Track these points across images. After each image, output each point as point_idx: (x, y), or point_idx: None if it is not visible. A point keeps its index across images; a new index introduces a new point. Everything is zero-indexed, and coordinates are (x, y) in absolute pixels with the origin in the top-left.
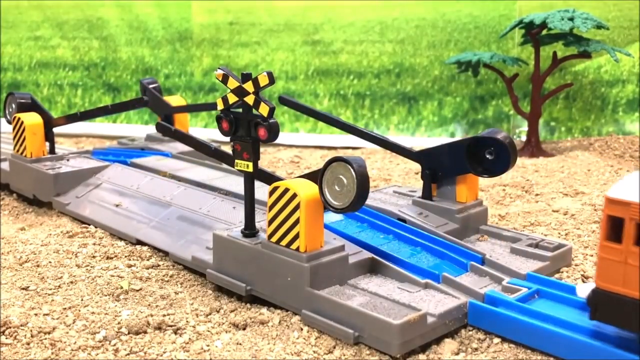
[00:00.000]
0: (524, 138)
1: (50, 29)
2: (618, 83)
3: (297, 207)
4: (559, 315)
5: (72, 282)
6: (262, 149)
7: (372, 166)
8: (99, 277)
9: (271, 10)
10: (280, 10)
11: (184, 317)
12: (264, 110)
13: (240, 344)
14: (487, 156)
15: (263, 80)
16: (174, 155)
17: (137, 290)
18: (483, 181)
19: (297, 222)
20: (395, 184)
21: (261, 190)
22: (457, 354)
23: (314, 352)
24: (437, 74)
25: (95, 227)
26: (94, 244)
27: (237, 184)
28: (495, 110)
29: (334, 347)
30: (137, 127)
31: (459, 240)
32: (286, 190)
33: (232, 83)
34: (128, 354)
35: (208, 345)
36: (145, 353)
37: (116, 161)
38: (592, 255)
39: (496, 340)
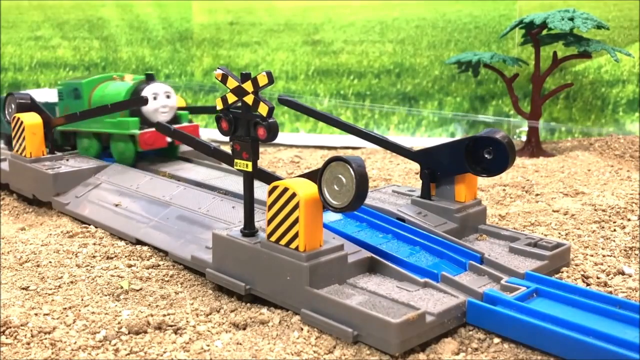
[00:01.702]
0: (524, 138)
1: (51, 29)
2: (618, 83)
3: (296, 207)
4: (558, 314)
5: (72, 282)
6: (262, 149)
7: (372, 166)
8: (99, 277)
9: (271, 10)
10: (280, 10)
11: (184, 317)
12: (263, 110)
13: (240, 344)
14: (486, 155)
15: (262, 80)
16: None
17: (137, 290)
18: (483, 181)
19: (296, 221)
20: (395, 183)
21: (260, 190)
22: (457, 353)
23: (314, 352)
24: (437, 74)
25: (95, 227)
26: (94, 244)
27: (236, 184)
28: (496, 110)
29: (334, 347)
30: None
31: (458, 239)
32: (285, 189)
33: (232, 83)
34: (128, 354)
35: (208, 345)
36: (145, 353)
37: (115, 161)
38: (592, 256)
39: (496, 340)
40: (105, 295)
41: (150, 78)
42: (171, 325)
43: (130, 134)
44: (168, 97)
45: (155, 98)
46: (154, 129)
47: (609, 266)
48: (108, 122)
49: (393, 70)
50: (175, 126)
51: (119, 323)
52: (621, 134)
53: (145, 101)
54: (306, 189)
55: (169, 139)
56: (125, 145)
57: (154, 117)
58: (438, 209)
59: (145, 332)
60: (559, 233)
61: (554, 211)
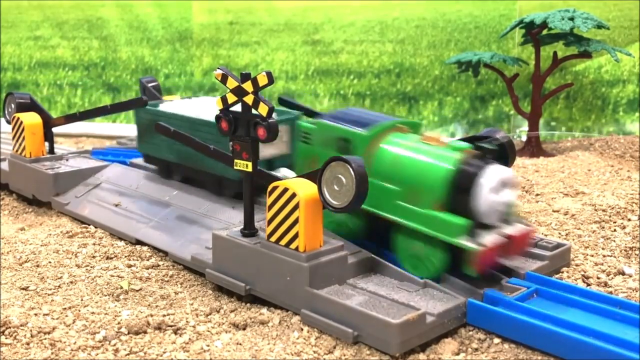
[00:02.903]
0: (524, 138)
1: (50, 28)
2: (618, 83)
3: (296, 207)
4: (558, 315)
5: (72, 282)
6: None
7: None
8: (99, 277)
9: (271, 10)
10: (280, 10)
11: (184, 317)
12: (263, 110)
13: (240, 344)
14: (486, 156)
15: (262, 80)
16: None
17: (137, 290)
18: None
19: (296, 221)
20: None
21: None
22: (458, 354)
23: (314, 352)
24: (437, 73)
25: (95, 227)
26: (94, 244)
27: None
28: (496, 110)
29: (334, 347)
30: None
31: None
32: (285, 189)
33: (232, 83)
34: (128, 354)
35: (208, 345)
36: (145, 353)
37: (115, 161)
38: (592, 256)
39: (496, 340)
40: (105, 296)
41: (484, 154)
42: (171, 326)
43: (454, 243)
44: (510, 187)
45: (499, 190)
46: (496, 242)
47: (609, 266)
48: (400, 206)
49: (393, 70)
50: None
51: (118, 323)
52: (621, 134)
53: (144, 102)
54: (306, 189)
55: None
56: (429, 250)
57: (488, 217)
58: None
59: (145, 332)
60: (559, 233)
61: (554, 211)
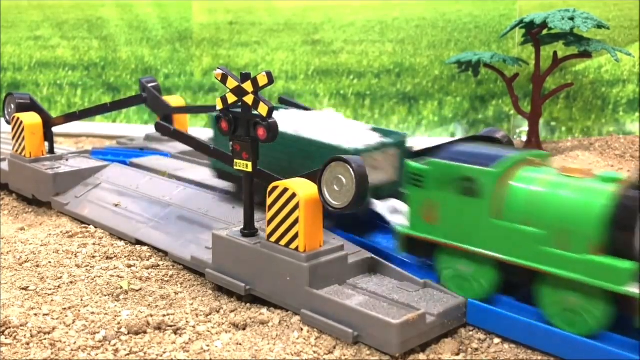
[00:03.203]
0: (524, 138)
1: (50, 28)
2: (619, 83)
3: (296, 207)
4: None
5: (71, 282)
6: None
7: None
8: (99, 277)
9: (271, 10)
10: (280, 10)
11: (184, 317)
12: (263, 110)
13: (240, 344)
14: None
15: (262, 80)
16: (173, 155)
17: (137, 290)
18: None
19: (296, 221)
20: None
21: None
22: (458, 354)
23: (314, 352)
24: (437, 73)
25: (95, 227)
26: (94, 244)
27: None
28: (496, 110)
29: (334, 347)
30: (136, 127)
31: None
32: (285, 190)
33: (231, 83)
34: (128, 354)
35: (208, 346)
36: (145, 353)
37: (115, 161)
38: None
39: (497, 340)
40: (105, 296)
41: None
42: (171, 326)
43: (622, 292)
44: None
45: None
46: None
47: None
48: (546, 253)
49: (393, 70)
50: None
51: (118, 323)
52: (621, 134)
53: (143, 99)
54: (306, 189)
55: None
56: (588, 302)
57: None
58: None
59: (145, 332)
60: None
61: None
